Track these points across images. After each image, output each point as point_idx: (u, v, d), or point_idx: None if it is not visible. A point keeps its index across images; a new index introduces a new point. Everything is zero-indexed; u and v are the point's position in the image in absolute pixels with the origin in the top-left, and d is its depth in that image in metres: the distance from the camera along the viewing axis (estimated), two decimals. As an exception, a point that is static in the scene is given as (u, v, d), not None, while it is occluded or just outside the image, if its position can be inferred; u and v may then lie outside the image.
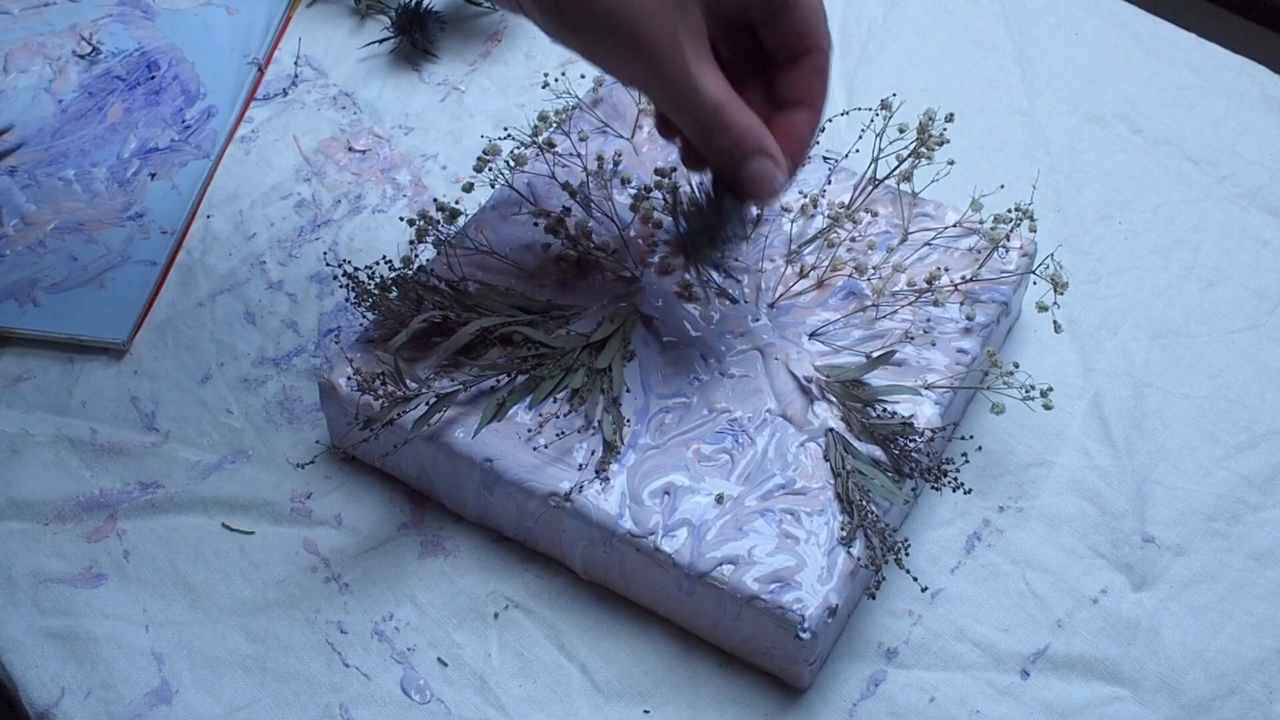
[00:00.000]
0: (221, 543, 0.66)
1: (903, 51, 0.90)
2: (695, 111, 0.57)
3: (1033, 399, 0.65)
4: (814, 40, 0.59)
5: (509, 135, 0.77)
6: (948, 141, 0.69)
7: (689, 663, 0.62)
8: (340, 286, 0.71)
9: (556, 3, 0.56)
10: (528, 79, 0.88)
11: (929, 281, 0.68)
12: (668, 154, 0.74)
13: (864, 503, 0.60)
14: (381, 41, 0.90)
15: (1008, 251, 0.70)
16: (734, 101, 0.57)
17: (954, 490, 0.64)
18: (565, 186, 0.71)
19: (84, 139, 0.83)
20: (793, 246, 0.70)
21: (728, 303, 0.67)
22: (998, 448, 0.69)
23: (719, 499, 0.61)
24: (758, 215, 0.65)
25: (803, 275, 0.69)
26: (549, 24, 0.57)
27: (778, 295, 0.68)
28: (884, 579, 0.62)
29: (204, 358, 0.73)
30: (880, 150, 0.70)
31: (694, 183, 0.68)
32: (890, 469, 0.62)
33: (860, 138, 0.76)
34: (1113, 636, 0.63)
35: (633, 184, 0.73)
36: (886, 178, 0.71)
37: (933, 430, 0.63)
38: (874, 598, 0.61)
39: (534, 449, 0.62)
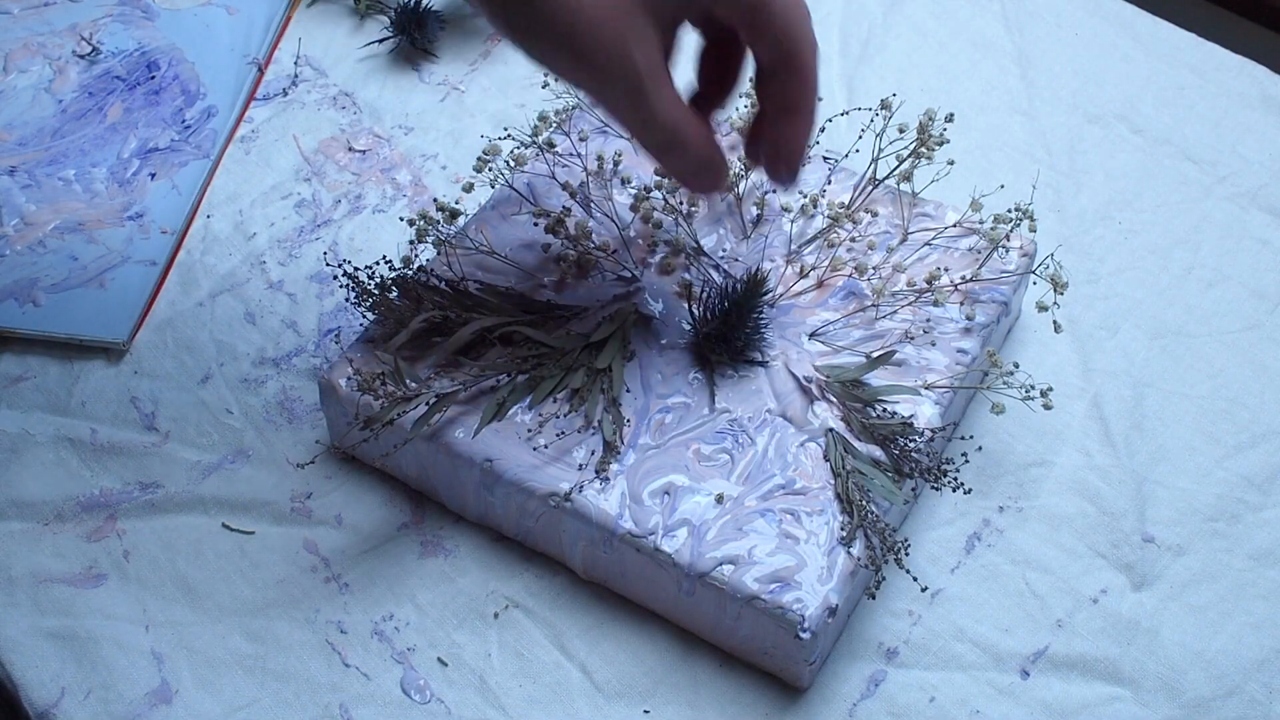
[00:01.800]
0: (221, 543, 0.66)
1: (903, 51, 0.90)
2: (652, 131, 0.56)
3: (1033, 399, 0.65)
4: (793, 44, 0.56)
5: (509, 135, 0.77)
6: (948, 141, 0.69)
7: (689, 663, 0.62)
8: (340, 286, 0.71)
9: (507, 13, 0.54)
10: (528, 79, 0.88)
11: (929, 281, 0.68)
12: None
13: (864, 503, 0.60)
14: (381, 41, 0.90)
15: (1008, 251, 0.70)
16: (689, 121, 0.56)
17: (954, 490, 0.64)
18: (565, 186, 0.71)
19: (84, 139, 0.83)
20: (792, 246, 0.70)
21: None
22: (998, 448, 0.69)
23: (719, 499, 0.61)
24: (767, 295, 0.66)
25: (803, 275, 0.69)
26: (505, 32, 0.55)
27: (778, 295, 0.68)
28: (884, 579, 0.62)
29: (204, 358, 0.73)
30: (880, 150, 0.70)
31: (711, 286, 0.68)
32: (890, 469, 0.62)
33: (860, 138, 0.76)
34: (1113, 636, 0.63)
35: (633, 184, 0.73)
36: (886, 178, 0.71)
37: (933, 430, 0.63)
38: (874, 598, 0.61)
39: (534, 449, 0.62)
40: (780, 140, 0.59)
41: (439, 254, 0.70)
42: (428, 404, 0.62)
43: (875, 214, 0.71)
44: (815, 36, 0.57)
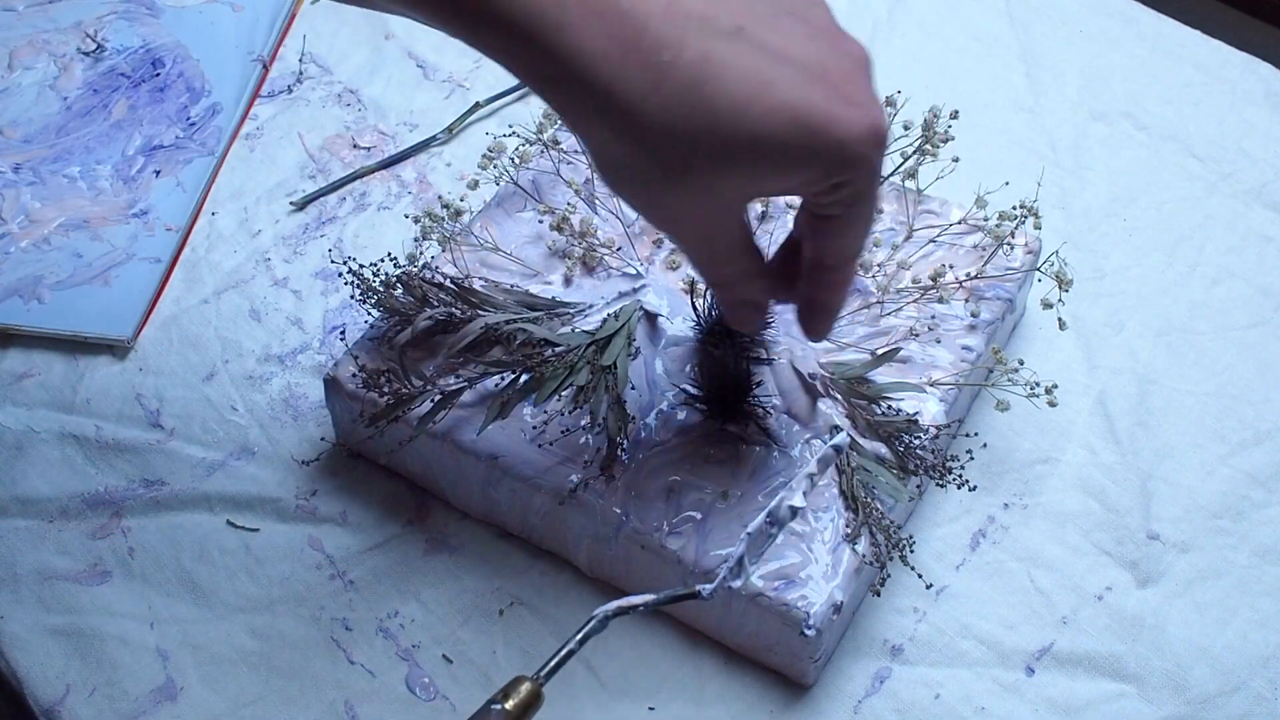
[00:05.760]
0: (226, 540, 0.66)
1: (907, 48, 0.90)
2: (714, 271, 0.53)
3: (1037, 396, 0.65)
4: (843, 261, 0.52)
5: (514, 132, 0.77)
6: (953, 138, 0.69)
7: (693, 660, 0.62)
8: (345, 284, 0.71)
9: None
10: (532, 76, 0.88)
11: (934, 278, 0.68)
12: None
13: (869, 500, 0.60)
14: (387, 39, 0.90)
15: (1012, 248, 0.70)
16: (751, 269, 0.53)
17: (959, 487, 0.63)
18: (570, 183, 0.71)
19: (88, 136, 0.83)
20: (797, 243, 0.70)
21: None
22: (1003, 445, 0.69)
23: (724, 496, 0.61)
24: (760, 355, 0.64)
25: (807, 272, 0.69)
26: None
27: (782, 292, 0.68)
28: (889, 576, 0.62)
29: (209, 355, 0.73)
30: (885, 147, 0.70)
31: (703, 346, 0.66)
32: (895, 466, 0.61)
33: (865, 135, 0.76)
34: (1118, 633, 0.63)
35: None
36: (891, 175, 0.71)
37: (937, 427, 0.63)
38: (879, 595, 0.61)
39: (539, 446, 0.62)
40: (815, 296, 0.54)
41: (444, 251, 0.70)
42: (433, 401, 0.62)
43: (880, 211, 0.71)
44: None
